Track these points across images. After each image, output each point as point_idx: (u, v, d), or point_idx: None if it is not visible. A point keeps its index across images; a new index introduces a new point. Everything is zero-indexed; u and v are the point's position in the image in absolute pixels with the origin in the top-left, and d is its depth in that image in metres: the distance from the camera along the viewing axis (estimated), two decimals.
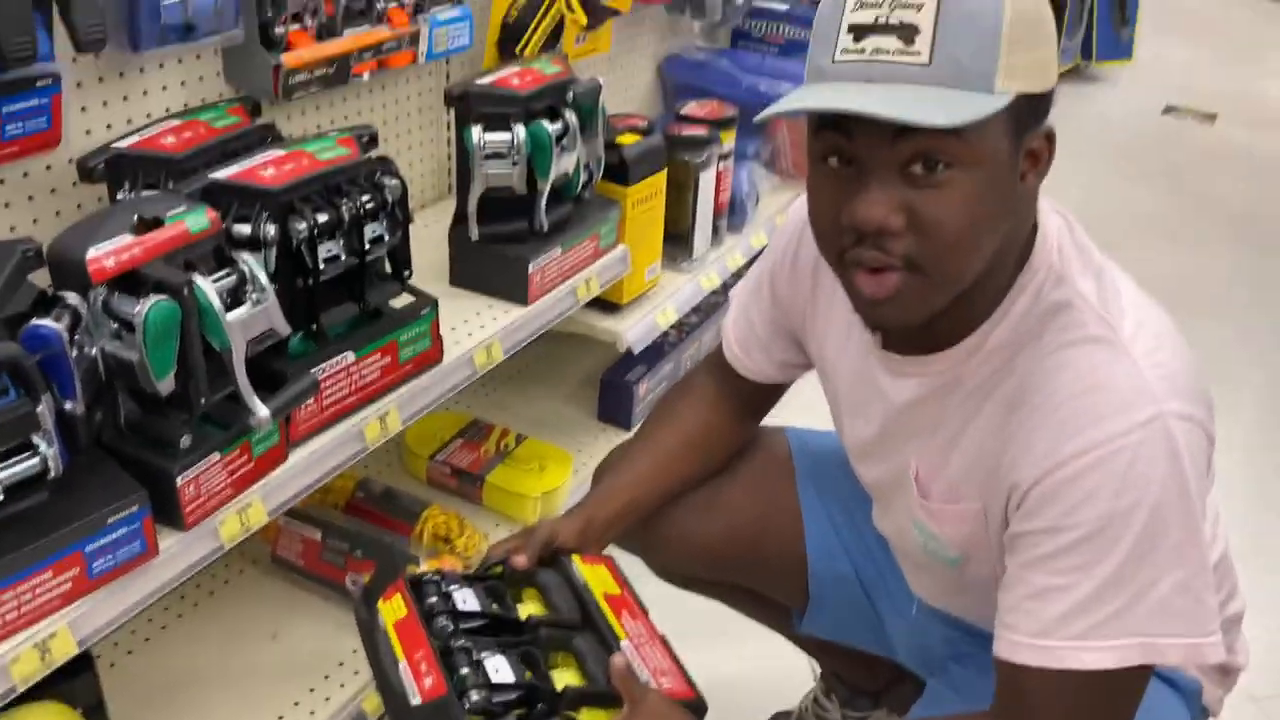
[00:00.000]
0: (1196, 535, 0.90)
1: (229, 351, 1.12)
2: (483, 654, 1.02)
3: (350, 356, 1.34)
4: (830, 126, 0.91)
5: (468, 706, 0.97)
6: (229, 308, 1.12)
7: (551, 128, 1.58)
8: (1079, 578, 0.90)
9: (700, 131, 2.08)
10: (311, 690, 1.53)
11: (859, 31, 0.88)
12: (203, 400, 1.12)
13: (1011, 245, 0.97)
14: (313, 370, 1.28)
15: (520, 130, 1.56)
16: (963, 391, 1.03)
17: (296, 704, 1.50)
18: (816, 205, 0.96)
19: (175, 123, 1.36)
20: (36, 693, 1.08)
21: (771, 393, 1.38)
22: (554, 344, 2.39)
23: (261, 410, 1.15)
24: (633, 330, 1.94)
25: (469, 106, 1.56)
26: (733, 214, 2.29)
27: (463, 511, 1.81)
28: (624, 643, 1.08)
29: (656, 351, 2.20)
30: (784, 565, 1.41)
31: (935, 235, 0.90)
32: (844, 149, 0.91)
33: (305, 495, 1.31)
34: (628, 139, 1.89)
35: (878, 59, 0.87)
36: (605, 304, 1.96)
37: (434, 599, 1.08)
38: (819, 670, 1.69)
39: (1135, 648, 0.90)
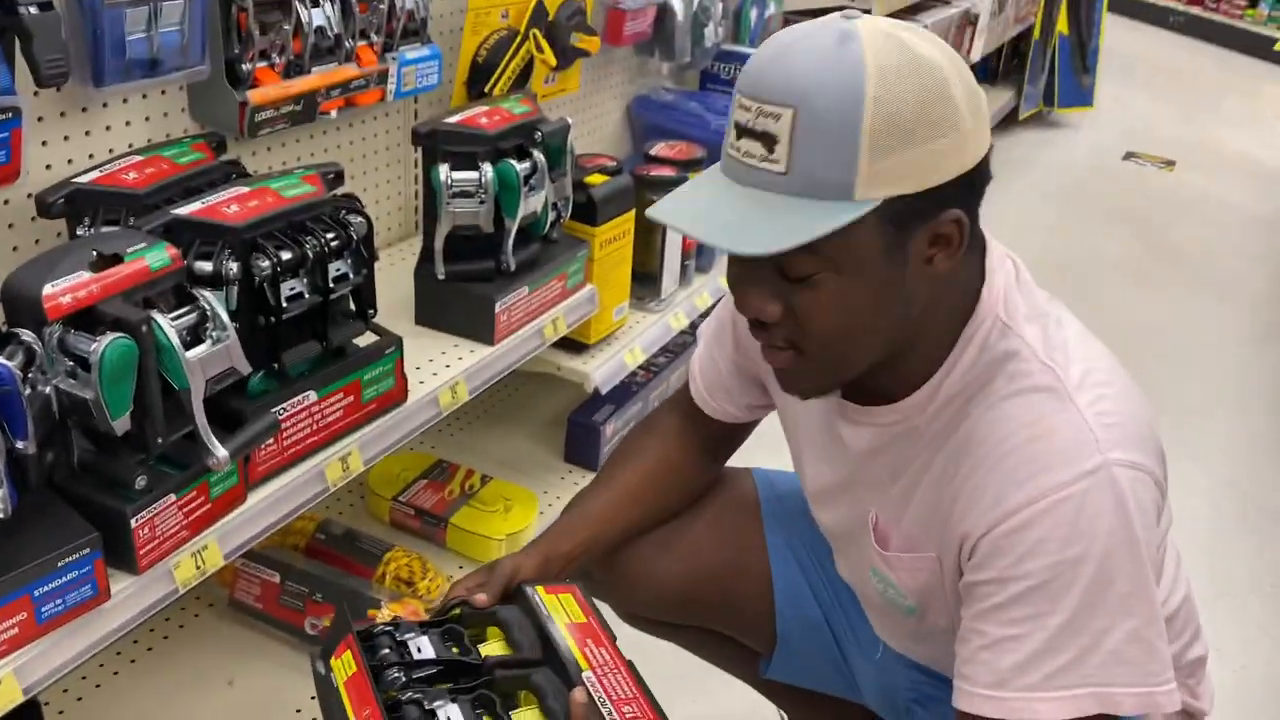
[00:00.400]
0: (1145, 584, 0.90)
1: (187, 391, 1.10)
2: (435, 703, 0.99)
3: (312, 396, 1.32)
4: None
5: None
6: (188, 346, 1.10)
7: (519, 167, 1.58)
8: (1031, 628, 0.90)
9: (669, 172, 2.09)
10: None
11: (738, 131, 0.92)
12: (159, 440, 1.10)
13: (943, 311, 0.98)
14: (273, 410, 1.26)
15: (488, 169, 1.56)
16: (917, 441, 1.04)
17: None
18: (728, 277, 1.02)
19: (138, 159, 1.34)
20: None
21: (737, 431, 1.38)
22: (521, 384, 2.38)
23: (220, 451, 1.13)
24: (600, 370, 1.93)
25: (436, 145, 1.56)
26: (701, 254, 2.30)
27: (426, 553, 1.78)
28: (586, 674, 1.05)
29: (624, 392, 2.20)
30: (751, 608, 1.39)
31: (809, 329, 0.94)
32: None
33: (264, 537, 1.28)
34: (596, 179, 1.90)
35: (747, 161, 0.91)
36: (573, 344, 1.96)
37: (386, 650, 1.05)
38: (786, 719, 1.67)
39: (1089, 697, 0.89)
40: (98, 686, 1.54)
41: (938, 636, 1.10)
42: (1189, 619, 1.19)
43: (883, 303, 0.94)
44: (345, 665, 1.04)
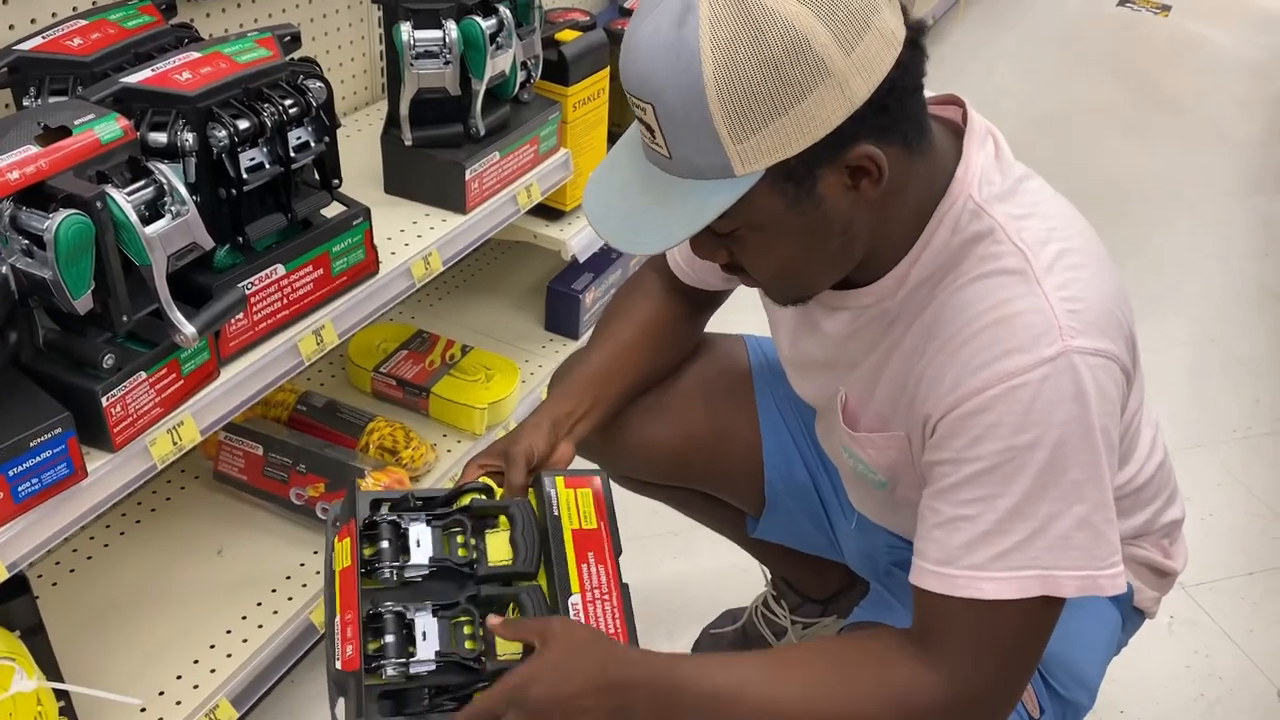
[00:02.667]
0: (1098, 471, 0.91)
1: (149, 268, 1.07)
2: (416, 615, 1.01)
3: (280, 269, 1.29)
4: None
5: (381, 678, 0.97)
6: (147, 221, 1.07)
7: (485, 24, 1.51)
8: (981, 509, 0.91)
9: None
10: (259, 604, 1.52)
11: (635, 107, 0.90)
12: (124, 318, 1.08)
13: (900, 209, 0.96)
14: (241, 284, 1.24)
15: (452, 27, 1.49)
16: (888, 323, 1.03)
17: (244, 618, 1.50)
18: None
19: (82, 23, 1.28)
20: None
21: (718, 294, 1.37)
22: (499, 252, 2.36)
23: (187, 328, 1.11)
24: (577, 238, 1.91)
25: (397, 2, 1.49)
26: None
27: (408, 423, 1.79)
28: (573, 598, 1.05)
29: (603, 259, 2.17)
30: (741, 471, 1.41)
31: (755, 272, 0.99)
32: None
33: (240, 412, 1.28)
34: (567, 35, 1.83)
35: (643, 138, 0.91)
36: (549, 210, 1.92)
37: (385, 542, 1.06)
38: (769, 576, 1.72)
39: (1033, 579, 0.91)
40: (89, 559, 1.57)
41: (909, 508, 1.12)
42: (1164, 484, 1.21)
43: (815, 240, 0.93)
44: (344, 554, 1.06)
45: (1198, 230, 3.24)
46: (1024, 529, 0.90)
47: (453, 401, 1.84)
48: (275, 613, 1.51)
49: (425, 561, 1.05)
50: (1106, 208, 3.29)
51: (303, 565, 1.59)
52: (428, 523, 1.09)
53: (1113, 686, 1.75)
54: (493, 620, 1.02)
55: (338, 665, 0.98)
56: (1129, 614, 1.25)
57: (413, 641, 1.00)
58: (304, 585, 1.55)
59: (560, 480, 1.15)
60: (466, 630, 1.03)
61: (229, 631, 1.48)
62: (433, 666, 0.99)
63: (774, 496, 1.42)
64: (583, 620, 1.05)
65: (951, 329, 0.95)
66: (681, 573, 1.85)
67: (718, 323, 1.44)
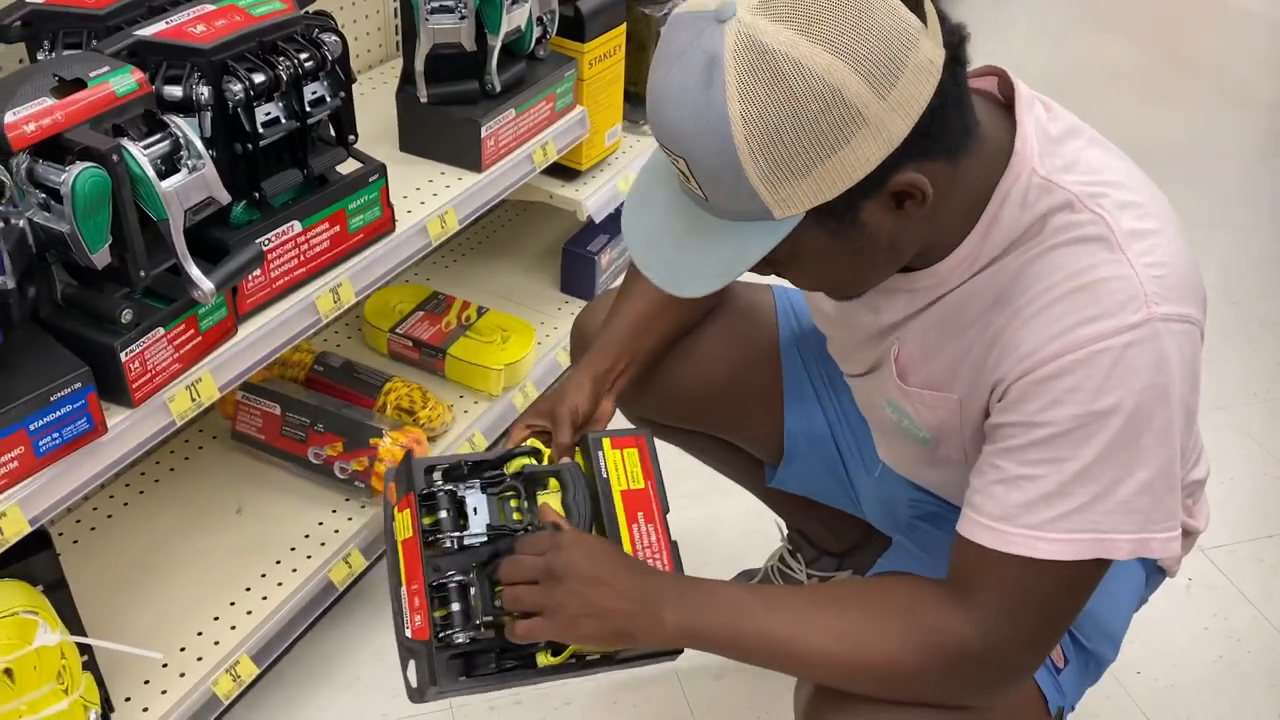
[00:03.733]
0: (1170, 438, 0.89)
1: (166, 222, 1.07)
2: (476, 583, 1.04)
3: (297, 226, 1.29)
4: None
5: (450, 646, 1.01)
6: (163, 175, 1.07)
7: None
8: (1047, 470, 0.90)
9: None
10: (278, 562, 1.53)
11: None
12: (142, 273, 1.08)
13: (955, 202, 0.93)
14: (258, 240, 1.23)
15: None
16: (953, 296, 1.00)
17: (264, 576, 1.51)
18: None
19: None
20: None
21: None
22: (514, 213, 2.34)
23: (205, 283, 1.11)
24: (593, 198, 1.89)
25: None
26: None
27: (425, 384, 1.79)
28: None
29: (619, 219, 2.15)
30: (761, 420, 1.41)
31: (804, 286, 1.03)
32: None
33: (258, 369, 1.28)
34: None
35: (678, 174, 0.89)
36: (564, 170, 1.91)
37: (443, 513, 1.08)
38: (785, 530, 1.72)
39: (1089, 542, 0.90)
40: (109, 517, 1.58)
41: (947, 466, 1.11)
42: (1194, 446, 1.20)
43: (861, 260, 0.93)
44: (404, 525, 1.08)
45: (1218, 192, 3.19)
46: (1087, 493, 0.89)
47: (469, 363, 1.84)
48: (294, 570, 1.52)
49: (482, 529, 1.08)
50: None
51: (321, 524, 1.59)
52: (482, 489, 1.11)
53: (1130, 648, 1.74)
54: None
55: (408, 634, 1.02)
56: (1151, 571, 1.25)
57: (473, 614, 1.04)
58: (322, 544, 1.56)
59: (607, 442, 1.16)
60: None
61: (249, 589, 1.49)
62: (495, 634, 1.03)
63: (793, 447, 1.41)
64: None
65: (1028, 296, 0.92)
66: (697, 534, 1.85)
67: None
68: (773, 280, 1.05)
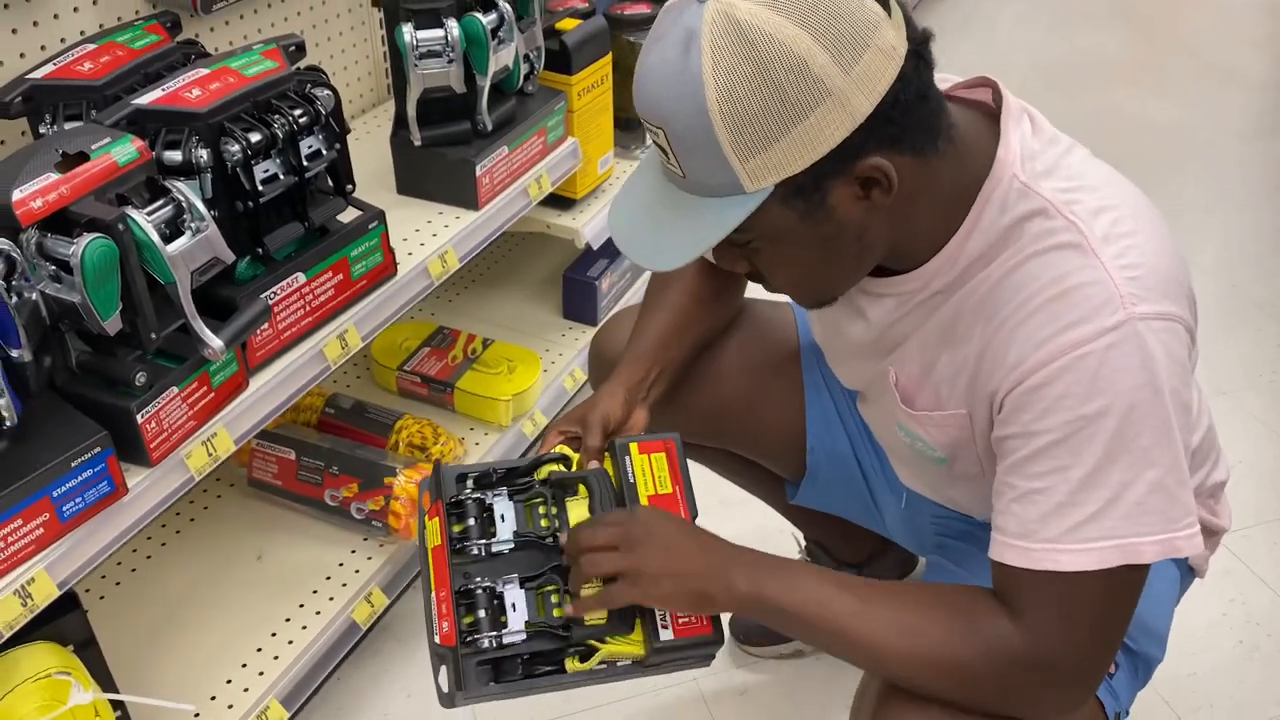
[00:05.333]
0: (1168, 434, 0.91)
1: (174, 285, 1.09)
2: (505, 588, 1.06)
3: (301, 278, 1.31)
4: None
5: (478, 652, 1.03)
6: (168, 239, 1.10)
7: (485, 19, 1.52)
8: (1054, 481, 0.91)
9: (644, 9, 2.02)
10: (301, 606, 1.55)
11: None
12: (153, 336, 1.10)
13: (934, 199, 0.96)
14: (263, 295, 1.26)
15: (453, 25, 1.50)
16: (937, 305, 1.03)
17: (288, 620, 1.53)
18: None
19: (91, 47, 1.30)
20: (26, 634, 1.10)
21: None
22: (514, 244, 2.37)
23: (214, 341, 1.13)
24: (590, 225, 1.92)
25: (397, 4, 1.50)
26: None
27: (435, 419, 1.81)
28: None
29: None
30: (782, 437, 1.42)
31: (776, 281, 1.02)
32: None
33: (271, 420, 1.31)
34: (568, 24, 1.83)
35: (661, 159, 0.94)
36: (560, 200, 1.94)
37: (471, 521, 1.10)
38: (803, 542, 1.73)
39: (1112, 549, 0.91)
40: (133, 571, 1.61)
41: (967, 482, 1.12)
42: (1210, 448, 1.21)
43: (830, 249, 0.96)
44: (434, 532, 1.10)
45: (1213, 175, 3.21)
46: (1098, 499, 0.90)
47: (477, 395, 1.87)
48: (318, 613, 1.54)
49: (509, 536, 1.10)
50: (1120, 156, 3.23)
51: (341, 565, 1.62)
52: (510, 496, 1.13)
53: None
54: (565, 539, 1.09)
55: (436, 639, 1.04)
56: (1184, 571, 1.25)
57: (504, 612, 1.06)
58: (343, 585, 1.58)
59: (634, 446, 1.17)
60: (554, 599, 1.07)
61: (274, 634, 1.51)
62: (523, 636, 1.05)
63: (815, 464, 1.42)
64: None
65: (1010, 307, 0.95)
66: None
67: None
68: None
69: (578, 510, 1.13)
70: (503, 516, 1.11)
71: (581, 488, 1.15)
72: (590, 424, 1.19)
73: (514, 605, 1.06)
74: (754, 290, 1.41)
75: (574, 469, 1.16)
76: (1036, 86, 3.70)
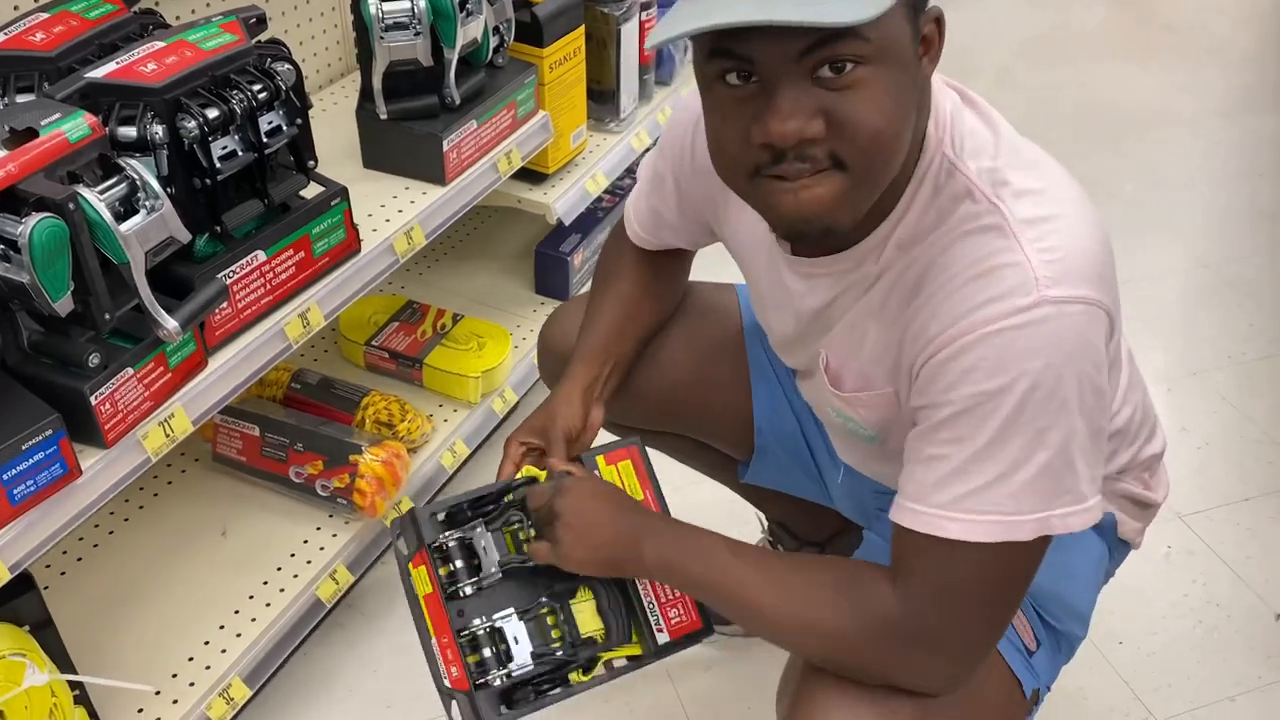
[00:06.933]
0: (1068, 418, 0.91)
1: (127, 265, 1.08)
2: (504, 624, 1.11)
3: (261, 255, 1.30)
4: (727, 41, 0.86)
5: (490, 689, 1.08)
6: (122, 218, 1.08)
7: None
8: (951, 450, 0.93)
9: None
10: (265, 583, 1.55)
11: None
12: (106, 317, 1.09)
13: (914, 135, 0.95)
14: (222, 273, 1.24)
15: None
16: (869, 286, 1.03)
17: (251, 597, 1.53)
18: (720, 128, 0.92)
19: (44, 16, 1.27)
20: None
21: (688, 250, 1.38)
22: (485, 217, 2.35)
23: (169, 322, 1.12)
24: (562, 200, 1.90)
25: None
26: (660, 66, 2.21)
27: (403, 395, 1.80)
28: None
29: (590, 219, 2.16)
30: (729, 417, 1.43)
31: (857, 135, 0.87)
32: (744, 64, 0.87)
33: (231, 399, 1.29)
34: None
35: None
36: (531, 174, 1.91)
37: (457, 563, 1.12)
38: (766, 523, 1.74)
39: (995, 524, 0.92)
40: (95, 547, 1.59)
41: (899, 459, 1.13)
42: (1143, 423, 1.22)
43: (911, 101, 0.91)
44: (423, 580, 1.11)
45: (1193, 151, 3.20)
46: (988, 472, 0.92)
47: (446, 371, 1.85)
48: (282, 590, 1.54)
49: (495, 568, 1.13)
50: (1103, 131, 3.26)
51: (306, 542, 1.61)
52: (487, 525, 1.14)
53: (1111, 617, 1.78)
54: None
55: (447, 684, 1.08)
56: (1115, 545, 1.27)
57: (508, 646, 1.10)
58: (308, 562, 1.58)
59: (601, 460, 1.19)
60: (550, 621, 1.12)
61: (237, 611, 1.51)
62: (530, 666, 1.10)
63: (763, 443, 1.44)
64: (647, 595, 1.15)
65: (934, 286, 0.96)
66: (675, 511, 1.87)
67: (710, 274, 1.44)
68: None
69: None
70: (485, 549, 1.13)
71: None
72: (553, 439, 1.20)
73: (515, 639, 1.10)
74: (696, 274, 1.42)
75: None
76: (1022, 62, 3.68)
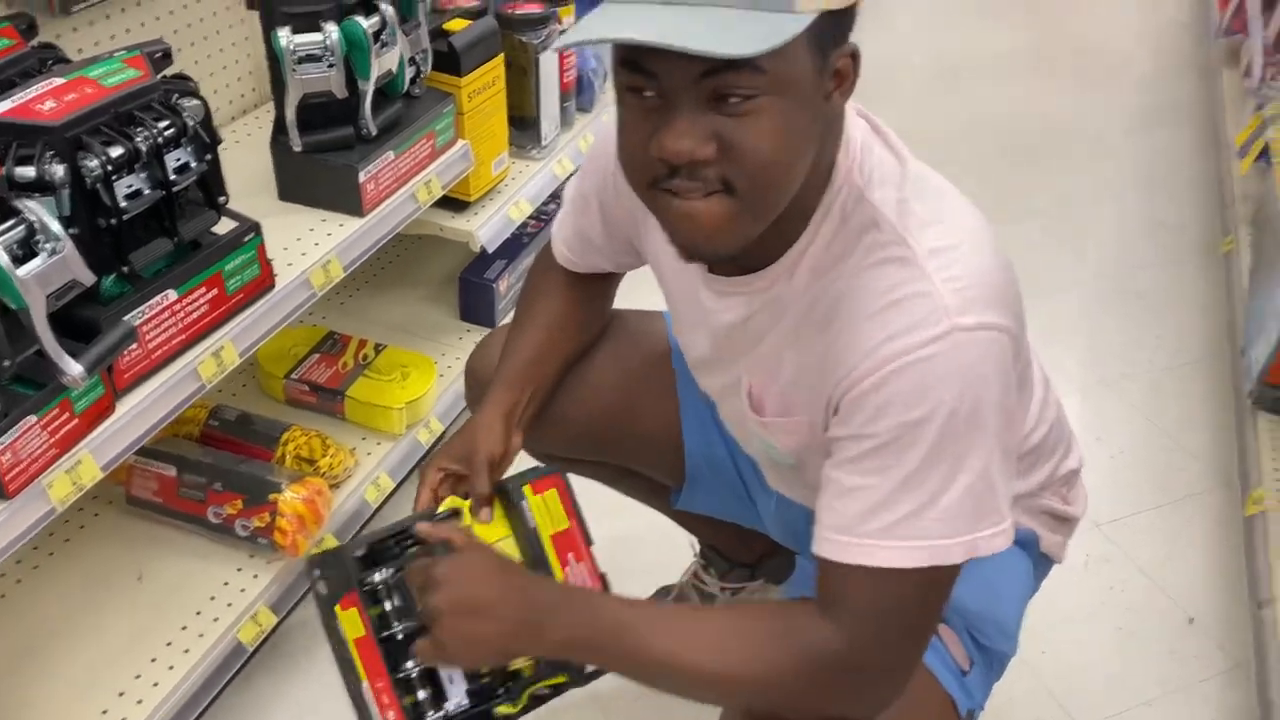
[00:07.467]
0: (985, 441, 0.94)
1: (26, 310, 1.04)
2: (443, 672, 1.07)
3: (172, 295, 1.27)
4: (634, 54, 0.88)
5: None
6: (20, 261, 1.04)
7: (367, 23, 1.48)
8: (876, 480, 0.94)
9: (536, 9, 1.99)
10: (184, 628, 1.51)
11: None
12: (5, 364, 1.05)
13: (817, 166, 0.97)
14: (130, 315, 1.21)
15: (333, 29, 1.46)
16: (783, 309, 1.04)
17: (169, 644, 1.48)
18: (625, 136, 0.94)
19: None
20: None
21: (614, 273, 1.38)
22: (407, 245, 2.33)
23: (73, 368, 1.09)
24: (485, 228, 1.89)
25: (273, 8, 1.45)
26: (580, 93, 2.22)
27: (325, 429, 1.77)
28: None
29: (515, 244, 2.16)
30: (659, 445, 1.43)
31: (748, 163, 0.89)
32: (650, 78, 0.88)
33: (143, 442, 1.26)
34: (457, 25, 1.80)
35: None
36: (453, 202, 1.90)
37: (388, 604, 1.08)
38: (698, 546, 1.74)
39: (925, 550, 0.94)
40: (1, 597, 1.54)
41: (818, 488, 1.14)
42: (1059, 440, 1.25)
43: (810, 134, 0.92)
44: (353, 623, 1.07)
45: (1098, 167, 3.31)
46: (914, 500, 0.94)
47: (369, 403, 1.83)
48: (201, 635, 1.50)
49: None
50: (1014, 149, 3.35)
51: (226, 584, 1.57)
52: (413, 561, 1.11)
53: (1035, 627, 1.79)
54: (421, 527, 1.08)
55: None
56: (1038, 561, 1.30)
57: (440, 683, 1.07)
58: (229, 604, 1.54)
59: (528, 489, 1.18)
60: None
61: (154, 659, 1.46)
62: (467, 702, 1.07)
63: (694, 470, 1.44)
64: None
65: (845, 317, 0.97)
66: (613, 552, 1.87)
67: (634, 301, 1.44)
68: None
69: (493, 536, 1.14)
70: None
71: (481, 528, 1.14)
72: (476, 466, 1.18)
73: (450, 678, 1.07)
74: (622, 300, 1.43)
75: (466, 519, 1.15)
76: (935, 86, 3.77)
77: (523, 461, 1.29)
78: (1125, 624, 1.85)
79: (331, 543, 1.65)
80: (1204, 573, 1.95)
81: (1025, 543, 1.26)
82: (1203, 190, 3.17)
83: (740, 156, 0.88)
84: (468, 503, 1.16)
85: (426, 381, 1.87)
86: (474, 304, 2.12)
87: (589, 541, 1.18)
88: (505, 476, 1.21)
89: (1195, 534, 2.03)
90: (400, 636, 1.07)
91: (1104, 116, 3.62)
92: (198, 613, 1.53)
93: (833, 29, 0.88)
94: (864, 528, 0.95)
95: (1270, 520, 1.89)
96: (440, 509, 1.16)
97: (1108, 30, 4.31)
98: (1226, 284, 2.66)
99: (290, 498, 1.56)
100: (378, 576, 1.09)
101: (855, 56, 0.92)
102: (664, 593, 1.79)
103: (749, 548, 1.68)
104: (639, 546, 1.86)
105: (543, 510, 1.17)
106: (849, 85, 0.93)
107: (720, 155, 0.88)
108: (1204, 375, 2.43)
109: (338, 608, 1.08)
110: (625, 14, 0.86)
